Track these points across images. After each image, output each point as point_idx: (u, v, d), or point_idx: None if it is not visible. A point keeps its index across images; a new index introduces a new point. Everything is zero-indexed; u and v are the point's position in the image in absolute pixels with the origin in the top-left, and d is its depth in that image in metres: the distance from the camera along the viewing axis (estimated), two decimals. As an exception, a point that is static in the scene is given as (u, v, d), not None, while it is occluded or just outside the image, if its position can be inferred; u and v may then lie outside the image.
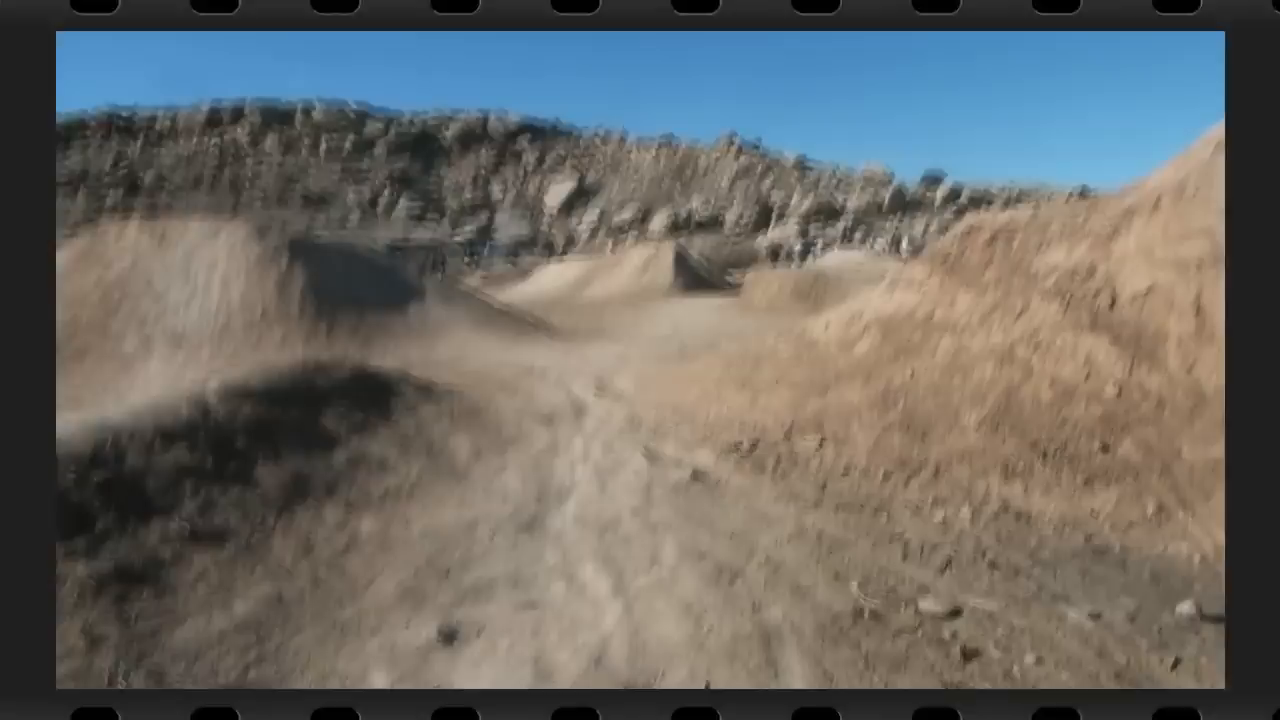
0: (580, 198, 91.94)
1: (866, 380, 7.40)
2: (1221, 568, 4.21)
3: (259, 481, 5.45)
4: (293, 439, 6.31)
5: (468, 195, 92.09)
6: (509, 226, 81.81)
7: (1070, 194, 66.06)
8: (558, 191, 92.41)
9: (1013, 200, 70.29)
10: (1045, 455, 5.59)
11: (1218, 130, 7.21)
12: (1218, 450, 4.91)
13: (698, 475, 5.88)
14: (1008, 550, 4.39)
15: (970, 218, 9.65)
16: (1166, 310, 6.16)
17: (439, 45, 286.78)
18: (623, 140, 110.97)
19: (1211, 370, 5.39)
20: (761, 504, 5.30)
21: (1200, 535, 4.55)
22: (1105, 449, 5.44)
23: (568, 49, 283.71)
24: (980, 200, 73.01)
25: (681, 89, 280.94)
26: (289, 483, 5.52)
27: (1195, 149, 7.72)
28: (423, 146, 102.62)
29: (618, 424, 7.66)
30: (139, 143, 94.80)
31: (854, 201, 77.02)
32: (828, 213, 74.39)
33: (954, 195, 74.95)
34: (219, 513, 4.89)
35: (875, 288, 9.99)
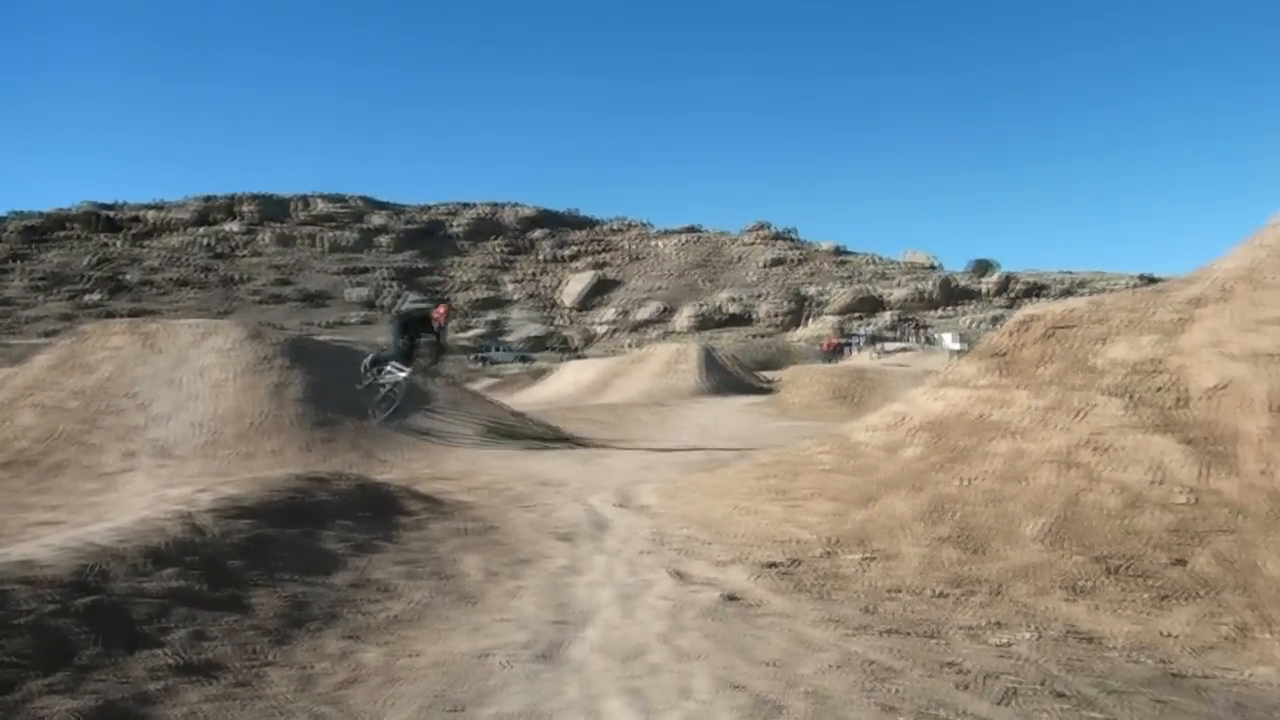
0: (599, 292, 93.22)
1: (915, 489, 7.43)
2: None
3: (254, 608, 5.51)
4: (290, 560, 6.39)
5: (478, 291, 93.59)
6: (522, 324, 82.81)
7: (1130, 282, 66.42)
8: (575, 285, 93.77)
9: (1069, 290, 70.73)
10: (1113, 570, 5.58)
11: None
12: (1303, 563, 4.90)
13: (731, 597, 5.89)
14: (1074, 678, 4.36)
15: (1025, 309, 9.76)
16: (1240, 408, 6.21)
17: (449, 137, 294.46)
18: (645, 229, 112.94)
19: (1292, 474, 5.41)
20: (802, 629, 5.29)
21: (1287, 659, 4.51)
22: (1178, 563, 5.43)
23: (585, 137, 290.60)
24: (1034, 290, 73.61)
25: (707, 176, 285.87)
26: (286, 609, 5.57)
27: (1267, 231, 7.85)
28: (430, 239, 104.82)
29: (642, 541, 7.68)
30: (123, 239, 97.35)
31: (897, 293, 77.70)
32: (869, 305, 75.04)
33: (1005, 285, 75.53)
34: (211, 643, 4.94)
35: (922, 386, 10.06)
